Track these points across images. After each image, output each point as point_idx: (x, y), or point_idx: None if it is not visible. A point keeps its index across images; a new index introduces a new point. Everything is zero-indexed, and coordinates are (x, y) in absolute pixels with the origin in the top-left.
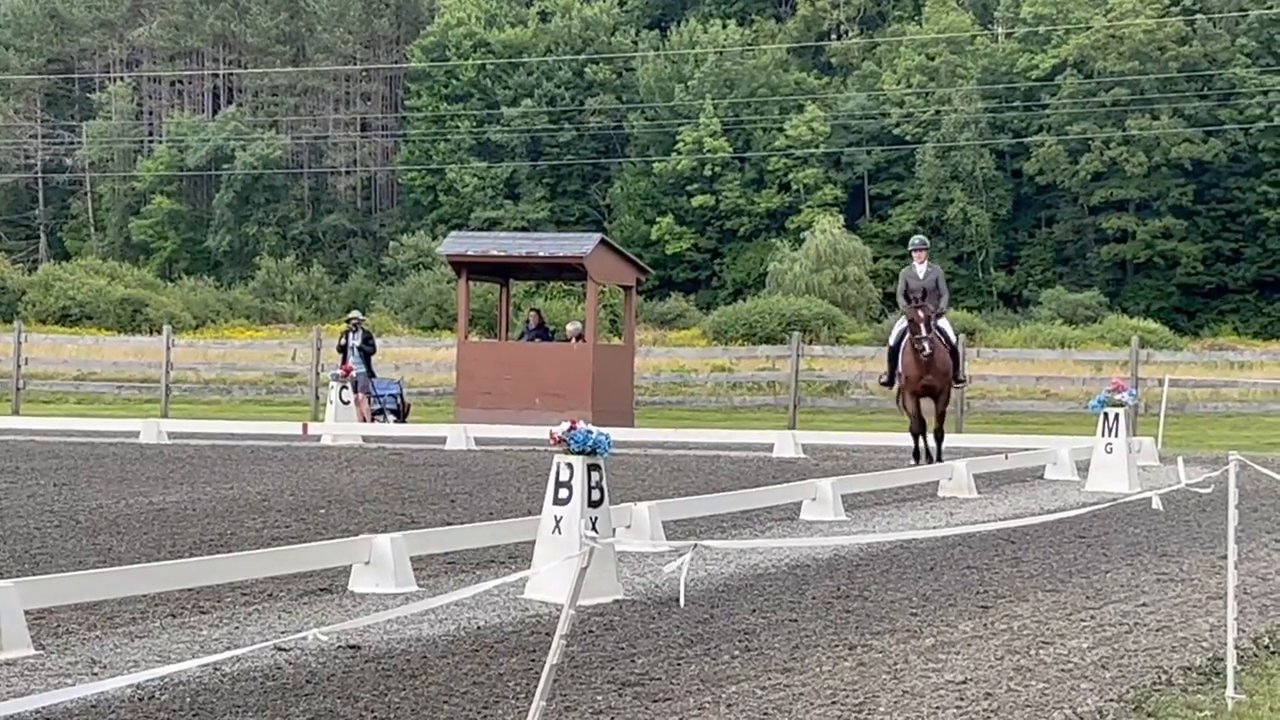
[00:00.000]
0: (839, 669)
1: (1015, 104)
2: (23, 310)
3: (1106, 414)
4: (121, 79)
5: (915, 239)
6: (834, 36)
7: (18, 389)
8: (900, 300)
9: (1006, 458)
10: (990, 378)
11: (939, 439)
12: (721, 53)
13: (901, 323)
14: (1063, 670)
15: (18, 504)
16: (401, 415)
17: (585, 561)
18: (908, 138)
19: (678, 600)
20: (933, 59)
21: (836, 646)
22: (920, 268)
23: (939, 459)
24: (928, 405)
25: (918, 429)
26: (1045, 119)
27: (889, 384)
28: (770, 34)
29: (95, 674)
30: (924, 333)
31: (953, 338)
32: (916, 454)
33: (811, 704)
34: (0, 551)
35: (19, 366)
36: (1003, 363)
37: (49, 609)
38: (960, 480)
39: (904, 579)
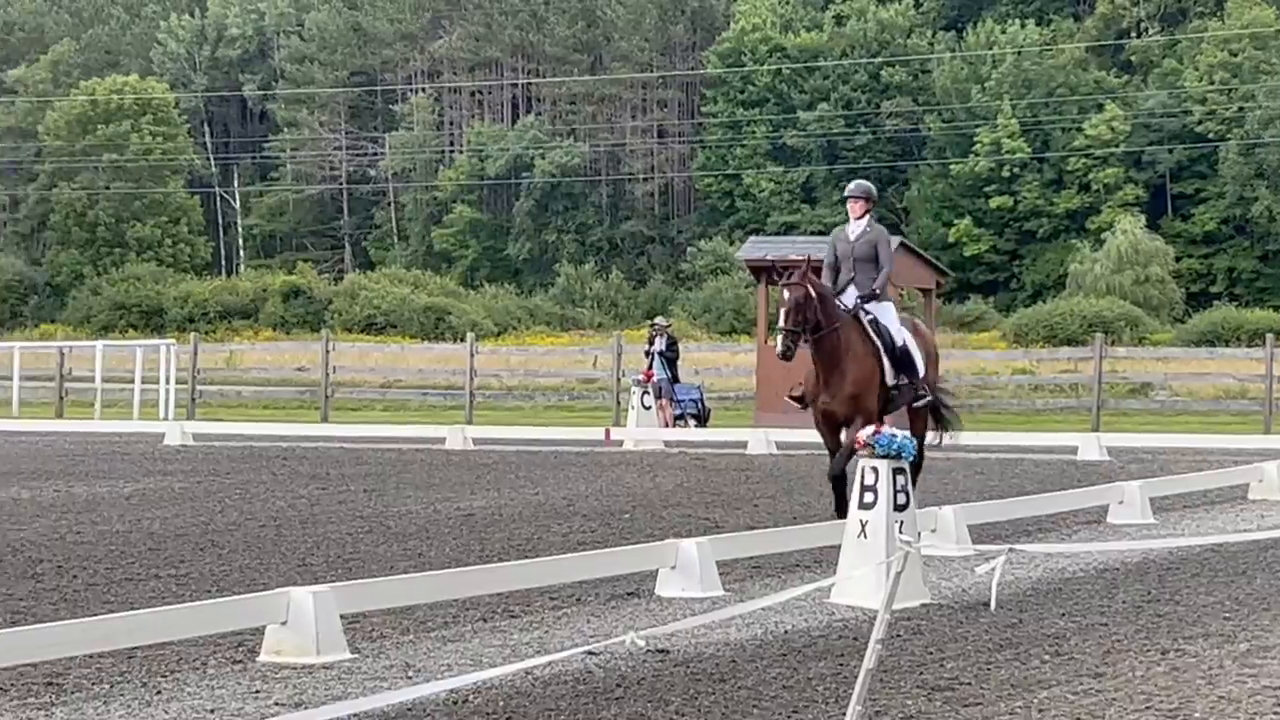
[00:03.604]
0: (1152, 674)
1: None
2: (329, 319)
3: None
4: (423, 90)
5: (852, 184)
6: (1133, 34)
7: (326, 397)
8: (825, 272)
9: None
10: None
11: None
12: (1020, 53)
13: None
14: None
15: (329, 510)
16: (703, 420)
17: (901, 565)
18: (1210, 135)
19: (986, 604)
20: (1235, 55)
21: (1149, 651)
22: (854, 227)
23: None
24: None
25: (834, 468)
26: None
27: (801, 401)
28: (1069, 33)
29: (410, 678)
30: (784, 323)
31: (897, 336)
32: (839, 506)
33: (1125, 710)
34: (315, 557)
35: (327, 375)
36: None
37: (363, 613)
38: (1272, 482)
39: (1215, 583)
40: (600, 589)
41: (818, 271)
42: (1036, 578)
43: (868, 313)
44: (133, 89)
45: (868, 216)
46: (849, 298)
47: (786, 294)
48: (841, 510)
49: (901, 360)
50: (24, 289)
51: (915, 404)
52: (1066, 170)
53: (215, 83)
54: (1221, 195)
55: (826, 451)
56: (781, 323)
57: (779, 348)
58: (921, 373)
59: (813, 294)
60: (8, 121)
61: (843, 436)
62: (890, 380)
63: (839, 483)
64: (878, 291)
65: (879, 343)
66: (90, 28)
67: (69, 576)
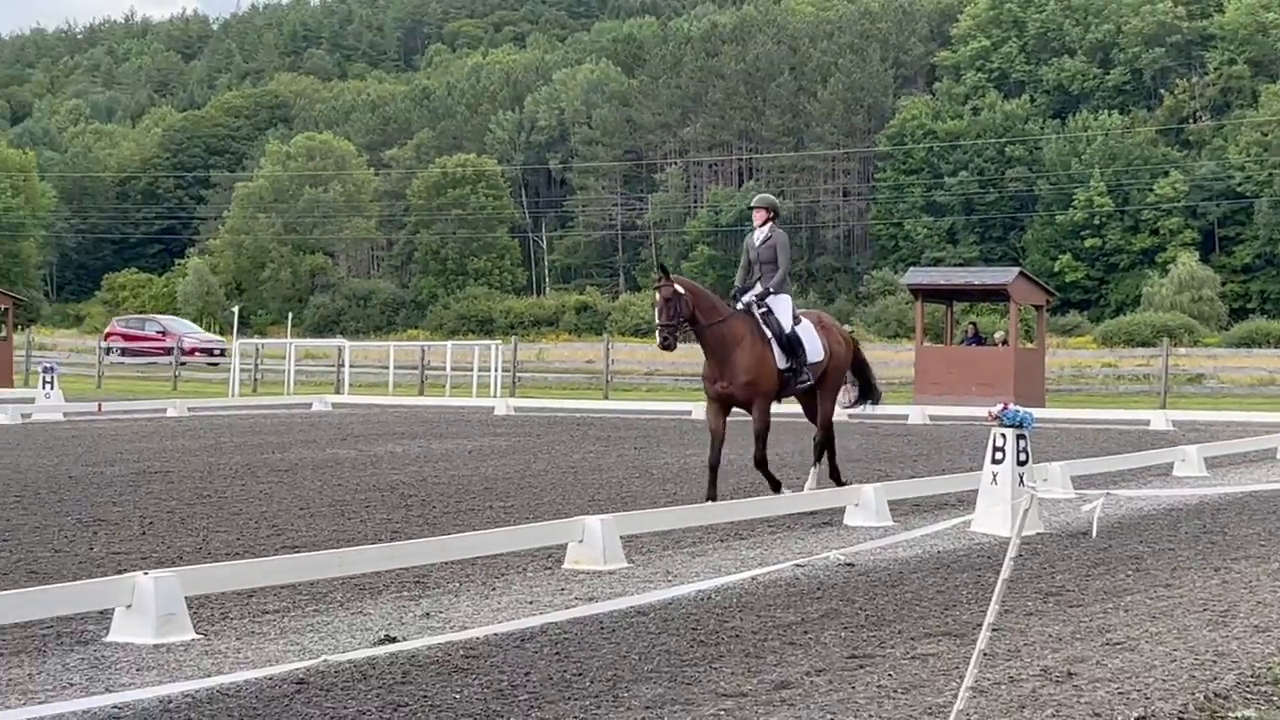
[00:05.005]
0: (1208, 585)
1: None
2: (609, 326)
3: None
4: (675, 163)
5: (756, 197)
6: (1192, 120)
7: (607, 381)
8: (740, 272)
9: None
10: None
11: (828, 453)
12: (1107, 134)
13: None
14: None
15: (609, 461)
16: (877, 400)
17: (1026, 505)
18: (1247, 193)
19: (1086, 533)
20: (1267, 134)
21: (1205, 569)
22: (759, 233)
23: (821, 479)
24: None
25: (712, 457)
26: None
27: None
28: (1144, 119)
29: (669, 581)
30: (658, 319)
31: (786, 326)
32: (711, 490)
33: (1188, 610)
34: (601, 494)
35: (608, 366)
36: None
37: (636, 535)
38: None
39: (1254, 519)
40: (804, 520)
41: (665, 273)
42: (1122, 514)
43: (762, 305)
44: (471, 164)
45: (769, 224)
46: (752, 295)
47: (658, 295)
48: (712, 494)
49: (790, 347)
50: (396, 305)
51: (798, 387)
52: (1141, 219)
53: (529, 159)
54: (1256, 237)
55: (754, 436)
56: (656, 319)
57: (657, 339)
58: (815, 359)
59: (681, 291)
60: (385, 186)
61: (743, 420)
62: (781, 365)
63: (716, 471)
64: (772, 290)
65: (769, 332)
66: (442, 120)
67: (430, 507)
